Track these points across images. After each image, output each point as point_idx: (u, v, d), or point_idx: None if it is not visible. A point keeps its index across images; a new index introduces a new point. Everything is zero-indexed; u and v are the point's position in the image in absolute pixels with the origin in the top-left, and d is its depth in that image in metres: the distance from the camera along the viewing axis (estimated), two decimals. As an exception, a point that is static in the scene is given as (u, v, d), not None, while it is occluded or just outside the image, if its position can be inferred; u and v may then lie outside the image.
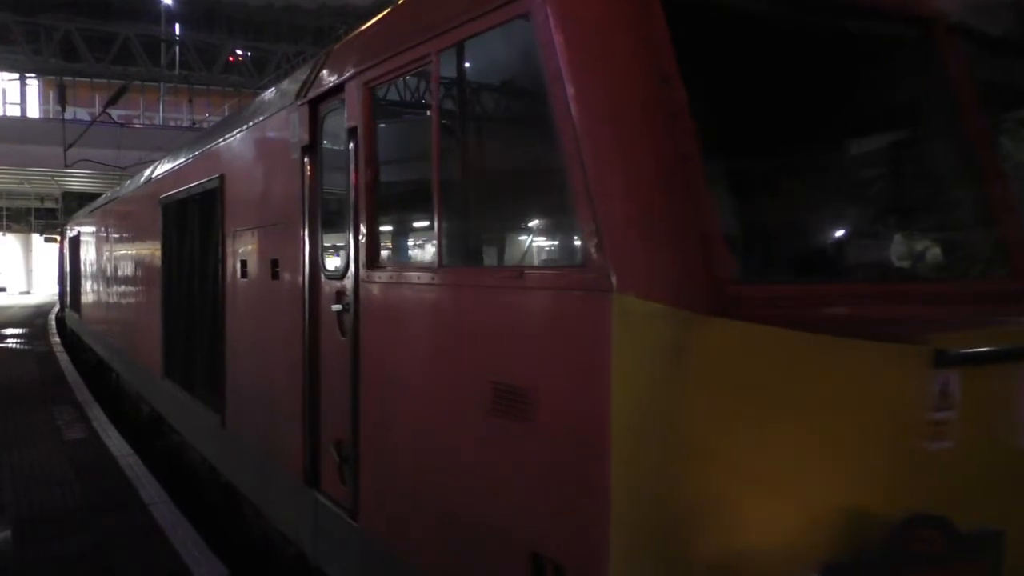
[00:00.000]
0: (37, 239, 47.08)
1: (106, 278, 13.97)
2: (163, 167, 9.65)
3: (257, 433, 5.96)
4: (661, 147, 2.59)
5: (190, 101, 39.40)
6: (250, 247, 6.04)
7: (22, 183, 37.79)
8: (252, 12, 39.18)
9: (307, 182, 4.89)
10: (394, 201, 4.44)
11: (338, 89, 4.47)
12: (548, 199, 3.26)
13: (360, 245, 4.17)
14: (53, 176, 34.03)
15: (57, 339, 21.40)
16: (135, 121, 40.00)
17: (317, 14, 39.28)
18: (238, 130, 6.44)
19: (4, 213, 45.33)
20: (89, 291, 16.61)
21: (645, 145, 2.61)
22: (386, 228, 4.27)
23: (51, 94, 40.20)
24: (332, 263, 4.76)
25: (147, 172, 10.94)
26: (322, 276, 4.78)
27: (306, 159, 4.90)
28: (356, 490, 4.29)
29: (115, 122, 33.89)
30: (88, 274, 16.88)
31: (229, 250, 6.51)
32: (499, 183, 3.71)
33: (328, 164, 4.80)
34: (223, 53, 38.13)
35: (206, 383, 7.25)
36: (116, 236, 13.07)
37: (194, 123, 39.17)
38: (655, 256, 2.55)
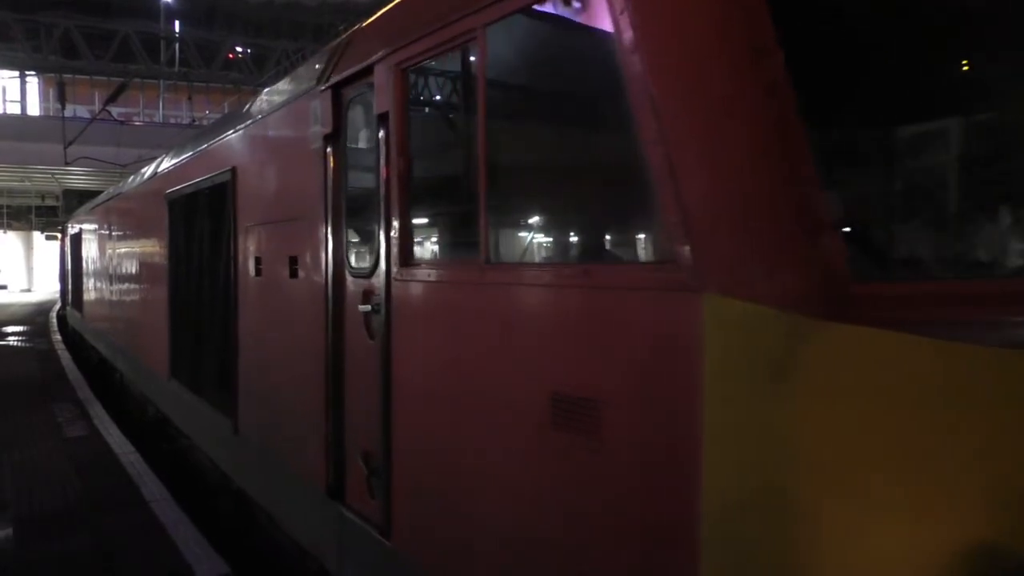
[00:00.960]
0: (38, 237, 47.02)
1: (109, 276, 13.55)
2: (169, 162, 9.23)
3: (273, 440, 5.60)
4: (758, 122, 2.20)
5: (190, 98, 39.35)
6: (265, 244, 5.69)
7: (23, 181, 37.67)
8: (252, 9, 39.11)
9: (329, 173, 4.54)
10: (430, 193, 4.02)
11: (366, 72, 4.11)
12: (620, 186, 2.86)
13: (392, 240, 3.82)
14: (54, 174, 33.92)
15: (58, 336, 21.21)
16: (135, 119, 39.92)
17: (317, 11, 39.20)
18: (251, 121, 6.08)
19: (5, 211, 45.18)
20: (91, 289, 16.24)
21: (740, 120, 2.22)
22: (420, 222, 3.91)
23: (51, 92, 40.18)
24: (358, 260, 4.42)
25: (151, 167, 10.55)
26: (347, 274, 4.45)
27: (328, 149, 4.55)
28: (388, 506, 3.93)
29: (115, 120, 33.89)
30: (90, 272, 16.48)
31: (241, 247, 6.16)
32: (557, 170, 3.31)
33: (353, 154, 4.47)
34: (223, 50, 38.03)
35: (217, 386, 6.93)
36: (119, 233, 12.66)
37: (194, 120, 39.09)
38: (755, 249, 2.14)
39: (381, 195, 3.91)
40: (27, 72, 39.65)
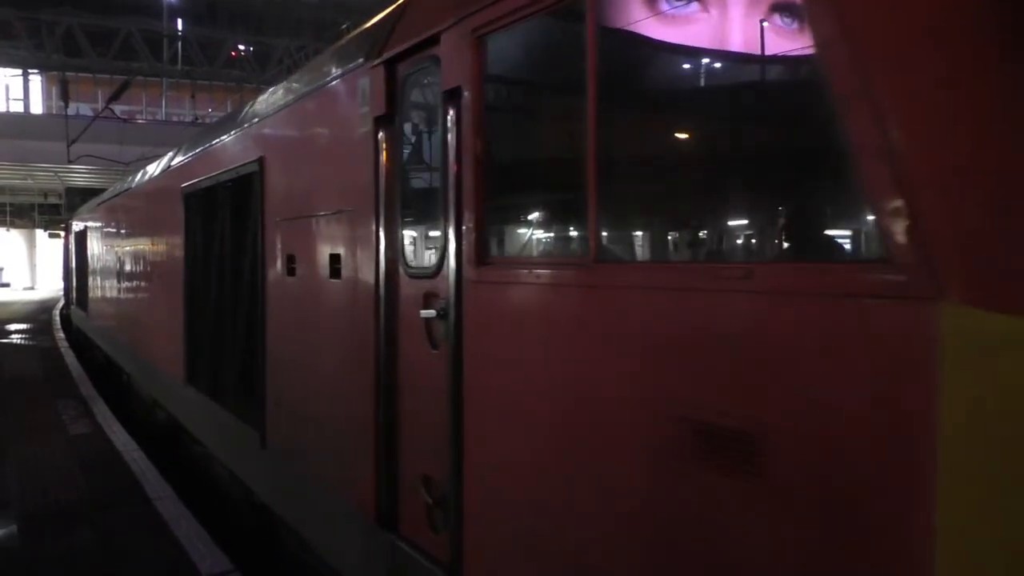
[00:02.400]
0: (41, 235, 47.08)
1: (117, 274, 12.87)
2: (185, 153, 8.57)
3: (309, 457, 4.99)
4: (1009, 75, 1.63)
5: (193, 96, 39.35)
6: (300, 240, 5.07)
7: (25, 179, 37.58)
8: (254, 6, 39.16)
9: (381, 160, 3.99)
10: (513, 180, 3.41)
11: (429, 43, 3.55)
12: (797, 165, 2.28)
13: (464, 236, 3.26)
14: (56, 172, 33.84)
15: (62, 334, 20.91)
16: (138, 116, 39.93)
17: (319, 8, 39.23)
18: (282, 105, 5.50)
19: (8, 209, 45.04)
20: (98, 288, 15.62)
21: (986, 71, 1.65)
22: (501, 215, 3.37)
23: (54, 90, 40.20)
24: (417, 258, 3.92)
25: (165, 160, 9.82)
26: (403, 274, 3.90)
27: (380, 132, 3.99)
28: (459, 543, 3.35)
29: (118, 118, 33.91)
30: (97, 270, 15.83)
31: (270, 244, 5.55)
32: (702, 151, 2.69)
33: (412, 137, 3.93)
34: (225, 48, 38.03)
35: (241, 395, 6.32)
36: (129, 229, 12.03)
37: (196, 118, 39.13)
38: (1018, 244, 1.57)
39: (449, 183, 3.35)
40: (30, 70, 39.72)
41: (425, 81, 3.74)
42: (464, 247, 3.29)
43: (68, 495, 7.09)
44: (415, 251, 3.96)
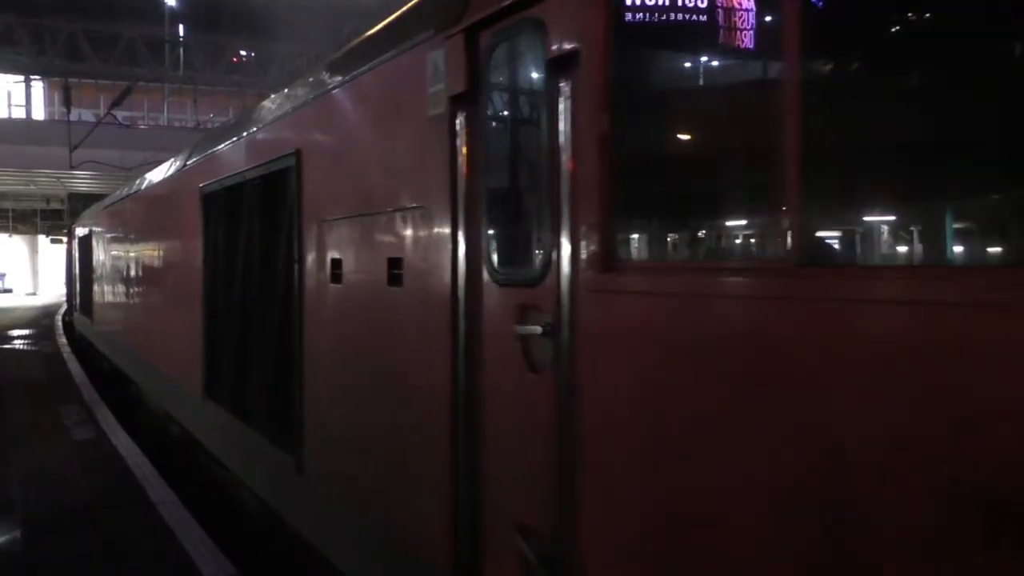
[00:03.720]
0: (43, 240, 47.11)
1: (125, 280, 12.17)
2: (203, 151, 7.84)
3: (360, 491, 4.33)
4: None
5: (195, 101, 39.45)
6: (348, 242, 4.46)
7: (28, 185, 37.45)
8: (255, 11, 39.30)
9: (459, 146, 3.35)
10: (655, 166, 2.78)
11: (524, 4, 2.93)
12: None
13: (582, 235, 2.63)
14: (59, 178, 33.85)
15: (64, 340, 20.58)
16: (140, 122, 40.03)
17: (320, 13, 39.35)
18: (325, 90, 4.84)
19: (10, 215, 44.94)
20: (104, 294, 14.91)
21: None
22: (635, 208, 2.79)
23: (56, 96, 40.31)
24: (509, 263, 3.24)
25: (180, 159, 9.09)
26: (487, 281, 3.25)
27: (459, 115, 3.35)
28: None
29: (120, 123, 34.01)
30: (103, 276, 15.10)
31: (309, 246, 4.93)
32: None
33: (500, 117, 3.33)
34: (227, 53, 38.14)
35: (272, 414, 5.63)
36: (139, 233, 11.32)
37: (199, 124, 39.21)
38: None
39: (561, 173, 2.75)
40: (32, 76, 39.84)
41: (520, 49, 3.11)
42: (582, 249, 2.66)
43: (71, 499, 7.04)
44: (506, 254, 3.28)
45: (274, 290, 5.54)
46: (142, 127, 37.56)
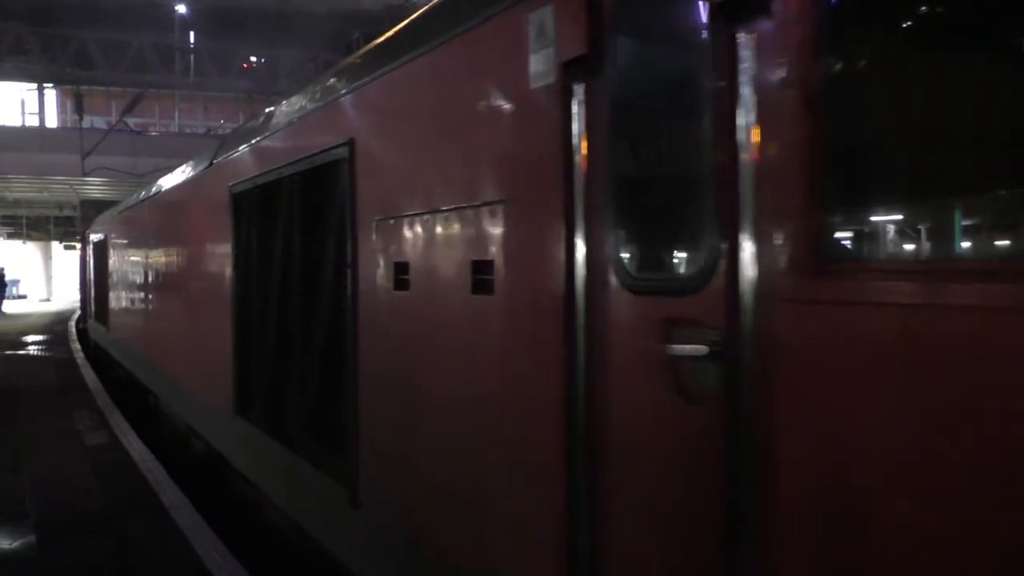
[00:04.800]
0: (56, 247, 47.49)
1: (144, 287, 11.62)
2: (233, 148, 7.15)
3: (439, 535, 3.62)
4: None
5: (205, 108, 39.70)
6: (416, 243, 3.82)
7: (41, 192, 37.81)
8: (264, 18, 39.47)
9: (577, 123, 2.72)
10: (878, 136, 1.99)
11: None
12: None
13: (773, 228, 2.04)
14: (71, 184, 34.16)
15: (77, 345, 20.64)
16: (151, 129, 40.31)
17: (327, 19, 39.50)
18: (384, 69, 4.21)
19: (24, 222, 45.47)
20: (120, 301, 14.32)
21: None
22: (847, 190, 2.00)
23: (68, 103, 40.60)
24: (653, 266, 2.67)
25: (204, 158, 8.50)
26: (615, 287, 2.58)
27: (574, 84, 2.71)
28: None
29: (132, 130, 34.25)
30: (119, 282, 14.48)
31: (366, 249, 4.31)
32: None
33: (632, 83, 2.63)
34: (236, 60, 38.34)
35: (318, 436, 5.01)
36: (159, 237, 10.73)
37: (208, 130, 39.42)
38: None
39: (740, 146, 2.12)
40: (45, 84, 40.15)
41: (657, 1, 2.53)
42: (775, 246, 2.03)
43: (85, 504, 7.07)
44: (646, 254, 2.66)
45: (320, 298, 4.91)
46: (153, 134, 37.78)
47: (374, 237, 4.23)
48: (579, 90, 2.73)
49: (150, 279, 11.26)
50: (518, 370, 3.03)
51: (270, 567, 5.97)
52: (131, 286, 13.02)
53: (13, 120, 39.25)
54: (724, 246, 2.19)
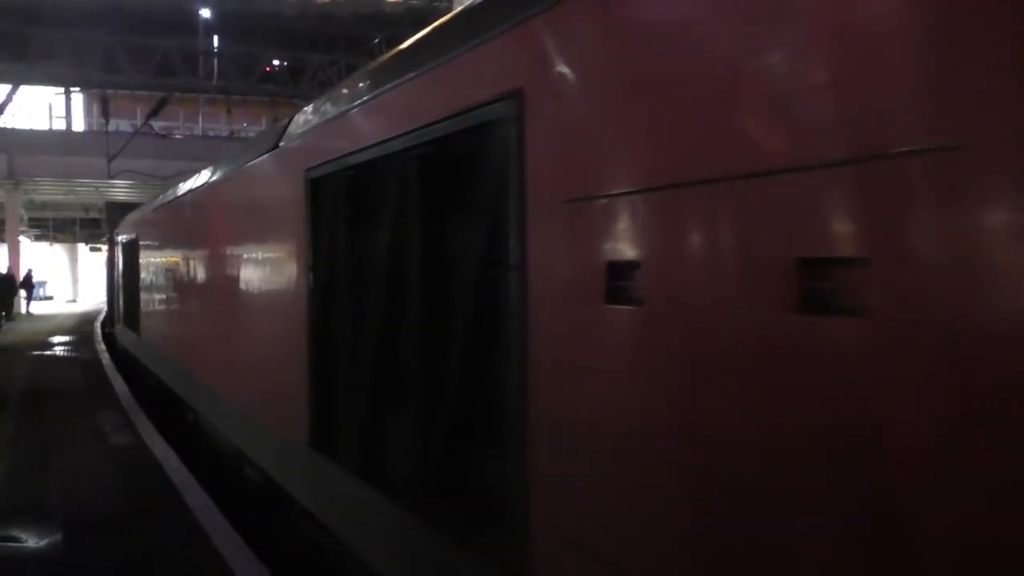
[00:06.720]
0: (83, 249, 48.11)
1: (184, 290, 10.24)
2: (310, 123, 5.67)
3: None
4: None
5: (229, 111, 39.99)
6: (652, 235, 2.34)
7: (67, 194, 38.32)
8: (287, 22, 39.71)
9: None
10: None
11: None
12: None
13: None
14: (97, 187, 34.61)
15: (103, 346, 20.61)
16: (175, 132, 40.72)
17: (350, 22, 39.67)
18: None
19: (51, 224, 46.15)
20: (155, 306, 13.02)
21: None
22: None
23: (95, 107, 41.10)
24: None
25: (265, 140, 6.91)
26: None
27: None
28: None
29: (156, 133, 34.61)
30: (153, 285, 13.10)
31: (547, 243, 2.83)
32: None
33: None
34: (260, 64, 38.65)
35: (457, 500, 3.55)
36: (203, 236, 9.22)
37: (232, 133, 39.75)
38: None
39: None
40: (72, 88, 40.68)
41: None
42: None
43: (110, 504, 7.05)
44: None
45: (456, 313, 3.58)
46: (177, 137, 38.14)
47: (563, 226, 2.82)
48: None
49: (191, 282, 9.87)
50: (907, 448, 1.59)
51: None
52: (168, 289, 11.65)
53: (41, 124, 39.82)
54: None
